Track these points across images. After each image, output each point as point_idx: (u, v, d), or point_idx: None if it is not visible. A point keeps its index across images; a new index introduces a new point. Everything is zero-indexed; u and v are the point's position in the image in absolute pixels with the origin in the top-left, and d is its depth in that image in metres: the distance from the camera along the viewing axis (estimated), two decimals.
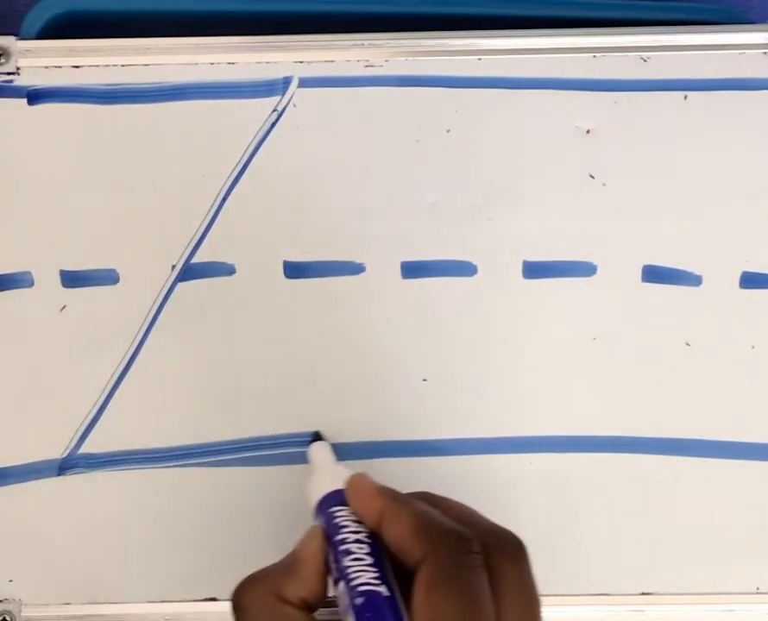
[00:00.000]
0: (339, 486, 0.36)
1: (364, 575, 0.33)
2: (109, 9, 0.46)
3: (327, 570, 0.34)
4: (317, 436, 0.43)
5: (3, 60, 0.45)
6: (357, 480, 0.36)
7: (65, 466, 0.44)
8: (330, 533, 0.35)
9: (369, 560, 0.33)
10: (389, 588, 0.32)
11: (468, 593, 0.31)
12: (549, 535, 0.44)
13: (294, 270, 0.45)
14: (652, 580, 0.44)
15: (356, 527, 0.35)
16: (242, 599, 0.34)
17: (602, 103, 0.45)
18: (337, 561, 0.34)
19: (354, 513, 0.35)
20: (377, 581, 0.32)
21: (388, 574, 0.33)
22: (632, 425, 0.44)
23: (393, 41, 0.45)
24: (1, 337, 0.44)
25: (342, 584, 0.33)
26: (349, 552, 0.34)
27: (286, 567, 0.34)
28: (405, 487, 0.43)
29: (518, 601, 0.32)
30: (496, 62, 0.45)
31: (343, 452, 0.44)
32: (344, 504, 0.36)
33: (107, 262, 0.45)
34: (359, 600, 0.32)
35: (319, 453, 0.42)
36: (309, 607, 0.34)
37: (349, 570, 0.33)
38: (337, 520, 0.35)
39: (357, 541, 0.34)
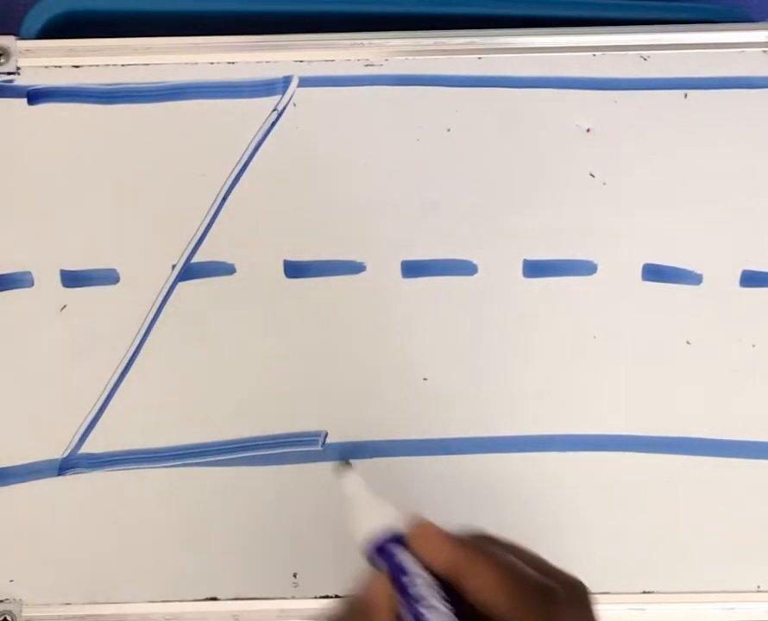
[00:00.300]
0: (389, 522, 0.35)
1: None
2: (109, 9, 0.46)
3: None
4: (343, 457, 0.42)
5: (3, 60, 0.45)
6: (422, 528, 0.35)
7: (65, 466, 0.44)
8: (395, 576, 0.34)
9: (443, 607, 0.33)
10: None
11: None
12: (550, 533, 0.44)
13: (294, 269, 0.45)
14: (653, 578, 0.44)
15: (422, 571, 0.34)
16: None
17: (602, 101, 0.45)
18: (410, 607, 0.33)
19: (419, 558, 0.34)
20: None
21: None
22: (632, 424, 0.44)
23: (392, 40, 0.45)
24: (1, 337, 0.44)
25: None
26: (420, 598, 0.33)
27: (360, 616, 0.34)
28: (405, 486, 0.43)
29: None
30: (496, 61, 0.45)
31: (342, 451, 0.44)
32: (401, 541, 0.35)
33: (107, 262, 0.45)
34: None
35: (353, 484, 0.40)
36: None
37: (425, 618, 0.32)
38: (403, 564, 0.34)
39: (427, 585, 0.33)
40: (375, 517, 0.36)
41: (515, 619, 0.32)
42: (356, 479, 0.39)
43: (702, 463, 0.44)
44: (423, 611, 0.32)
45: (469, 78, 0.45)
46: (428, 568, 0.34)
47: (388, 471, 0.44)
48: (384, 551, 0.35)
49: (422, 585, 0.33)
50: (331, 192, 0.45)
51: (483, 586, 0.33)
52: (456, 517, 0.44)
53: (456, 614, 0.32)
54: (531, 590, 0.32)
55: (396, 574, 0.34)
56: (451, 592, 0.33)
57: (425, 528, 0.35)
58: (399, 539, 0.35)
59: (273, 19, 0.46)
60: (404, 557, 0.34)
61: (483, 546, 0.34)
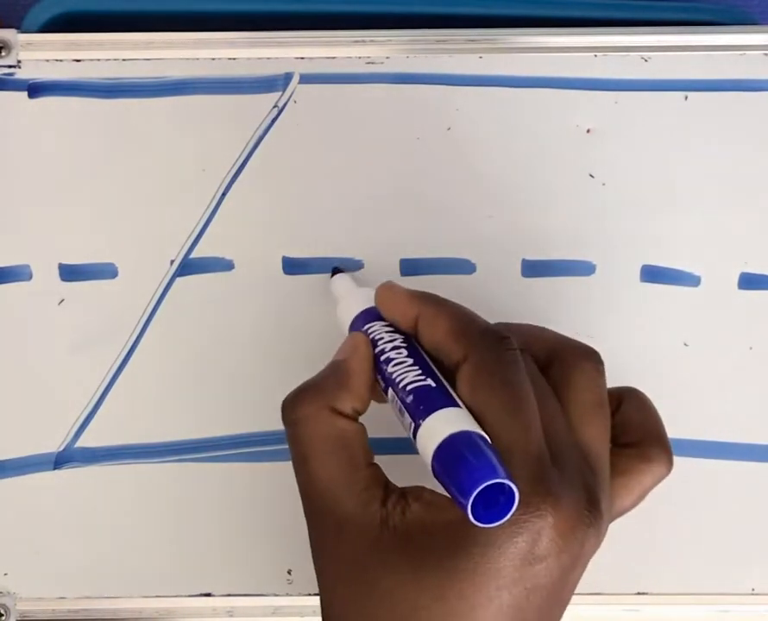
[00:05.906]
0: (368, 305, 0.37)
1: (408, 375, 0.33)
2: (110, 10, 0.46)
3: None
4: (336, 270, 0.44)
5: (3, 53, 0.45)
6: (387, 288, 0.36)
7: (61, 460, 0.44)
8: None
9: (410, 361, 0.34)
10: (435, 380, 0.33)
11: (510, 385, 0.32)
12: None
13: (293, 266, 0.45)
14: (648, 579, 0.44)
15: (391, 336, 0.35)
16: (297, 413, 0.34)
17: (603, 102, 0.45)
18: (381, 372, 0.35)
19: (386, 324, 0.36)
20: (422, 377, 0.33)
21: (432, 369, 0.34)
22: None
23: (394, 38, 0.45)
24: None
25: (390, 391, 0.34)
26: (389, 360, 0.34)
27: (338, 379, 0.34)
28: (406, 483, 0.43)
29: (580, 402, 0.33)
30: (497, 60, 0.45)
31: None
32: (375, 319, 0.36)
33: (106, 256, 0.45)
34: (409, 398, 0.33)
35: (342, 283, 0.42)
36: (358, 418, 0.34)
37: (394, 375, 0.34)
38: (372, 334, 0.36)
39: (395, 348, 0.35)
40: (356, 303, 0.38)
41: (467, 363, 0.32)
42: (345, 279, 0.42)
43: (699, 465, 0.44)
44: (391, 370, 0.34)
45: (470, 77, 0.45)
46: (395, 331, 0.35)
47: (388, 468, 0.44)
48: (358, 329, 0.37)
49: (390, 348, 0.35)
50: (331, 190, 0.45)
51: (437, 336, 0.34)
52: None
53: (428, 365, 0.34)
54: (480, 335, 0.33)
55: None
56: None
57: (387, 290, 0.36)
58: (373, 315, 0.37)
59: (273, 19, 0.46)
60: (374, 329, 0.36)
61: (437, 298, 0.35)
